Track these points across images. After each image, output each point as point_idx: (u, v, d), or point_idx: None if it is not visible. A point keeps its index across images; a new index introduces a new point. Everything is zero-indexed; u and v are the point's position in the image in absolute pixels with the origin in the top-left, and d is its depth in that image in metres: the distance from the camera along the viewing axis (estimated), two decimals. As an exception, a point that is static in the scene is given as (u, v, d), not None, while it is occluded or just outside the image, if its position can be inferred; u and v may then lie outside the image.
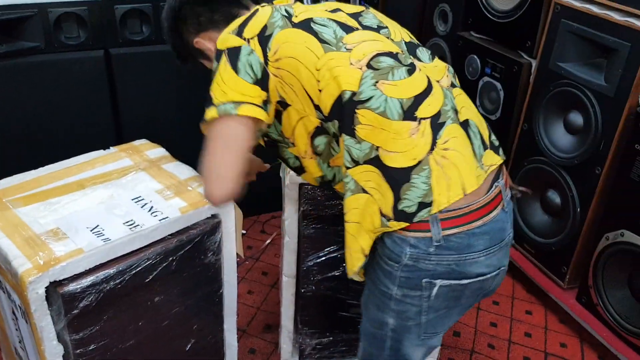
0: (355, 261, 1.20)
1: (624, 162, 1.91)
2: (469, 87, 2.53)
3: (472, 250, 1.14)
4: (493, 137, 1.28)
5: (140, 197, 1.42)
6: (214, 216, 1.44)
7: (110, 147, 1.64)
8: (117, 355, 1.32)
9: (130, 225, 1.30)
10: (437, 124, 1.14)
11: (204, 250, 1.44)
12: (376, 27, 1.26)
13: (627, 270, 1.98)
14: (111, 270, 1.23)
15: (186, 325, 1.48)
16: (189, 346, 1.50)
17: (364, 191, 1.14)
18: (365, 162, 1.14)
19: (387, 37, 1.24)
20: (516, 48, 2.32)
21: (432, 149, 1.12)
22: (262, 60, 1.14)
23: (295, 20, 1.18)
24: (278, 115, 1.24)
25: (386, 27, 1.27)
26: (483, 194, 1.16)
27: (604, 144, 1.96)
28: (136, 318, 1.33)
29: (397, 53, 1.19)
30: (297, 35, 1.16)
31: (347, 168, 1.16)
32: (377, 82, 1.13)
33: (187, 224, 1.39)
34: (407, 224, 1.11)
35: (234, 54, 1.14)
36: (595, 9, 1.94)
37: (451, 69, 1.30)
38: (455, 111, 1.19)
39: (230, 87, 1.13)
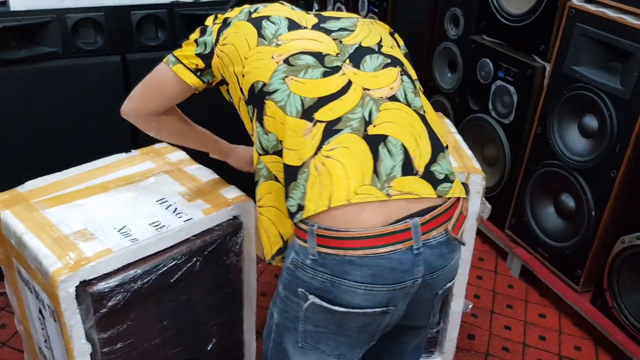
0: (273, 245, 1.21)
1: None
2: (481, 91, 2.55)
3: (347, 277, 1.06)
4: (439, 167, 1.15)
5: (164, 198, 1.43)
6: (235, 218, 1.46)
7: (132, 150, 1.66)
8: (142, 354, 1.34)
9: (156, 226, 1.32)
10: (331, 129, 1.12)
11: (226, 251, 1.45)
12: (337, 29, 1.26)
13: (643, 273, 1.98)
14: (138, 270, 1.24)
15: (208, 325, 1.49)
16: (210, 346, 1.52)
17: (277, 180, 1.18)
18: (274, 153, 1.18)
19: (337, 39, 1.24)
20: (529, 52, 2.33)
21: (315, 153, 1.11)
22: (214, 41, 1.28)
23: (254, 15, 1.27)
24: (227, 93, 1.36)
25: (350, 31, 1.27)
26: (377, 223, 1.06)
27: (620, 147, 1.96)
28: (161, 317, 1.35)
29: (326, 55, 1.20)
30: (244, 27, 1.25)
31: (259, 155, 1.20)
32: (286, 76, 1.16)
33: (210, 225, 1.41)
34: (294, 225, 1.12)
35: (204, 31, 1.31)
36: (610, 13, 1.96)
37: (408, 84, 1.22)
38: (366, 122, 1.12)
39: (184, 50, 1.31)
